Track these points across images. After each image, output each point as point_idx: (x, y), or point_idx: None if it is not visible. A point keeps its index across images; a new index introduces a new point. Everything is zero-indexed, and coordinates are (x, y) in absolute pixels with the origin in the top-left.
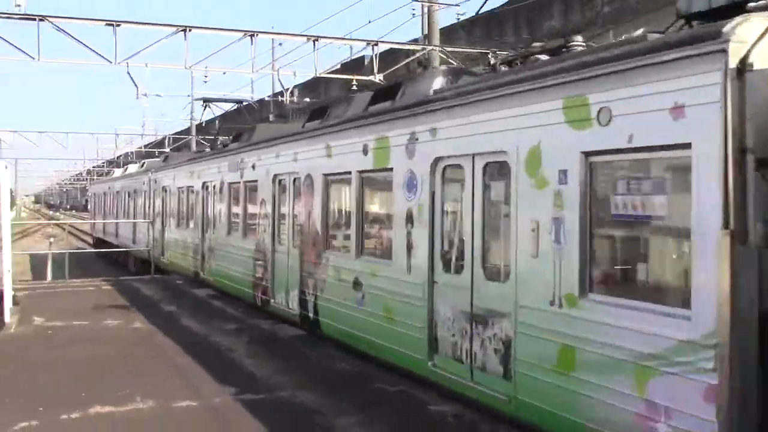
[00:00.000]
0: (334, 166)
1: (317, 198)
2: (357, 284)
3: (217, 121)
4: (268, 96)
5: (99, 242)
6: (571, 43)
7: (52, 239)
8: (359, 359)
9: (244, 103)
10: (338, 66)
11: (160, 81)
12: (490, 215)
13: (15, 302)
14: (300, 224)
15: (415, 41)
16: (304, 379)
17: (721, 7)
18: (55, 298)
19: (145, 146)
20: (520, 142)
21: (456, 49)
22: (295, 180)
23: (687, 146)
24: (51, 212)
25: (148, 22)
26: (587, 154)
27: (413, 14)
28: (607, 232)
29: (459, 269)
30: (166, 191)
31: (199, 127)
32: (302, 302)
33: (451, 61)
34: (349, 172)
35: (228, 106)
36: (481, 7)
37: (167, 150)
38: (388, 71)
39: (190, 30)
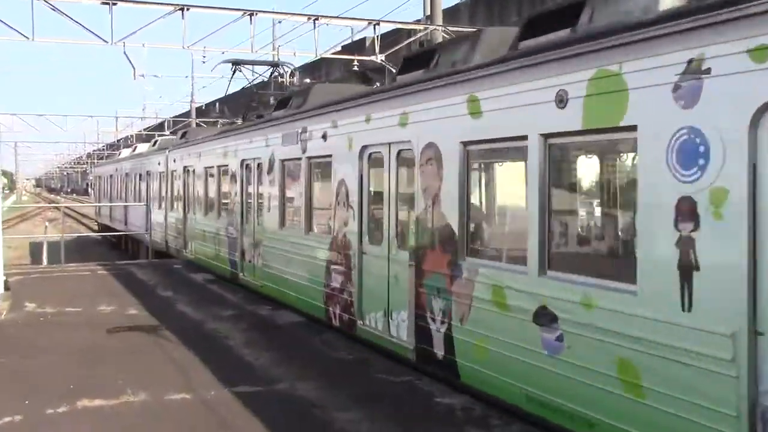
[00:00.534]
0: (491, 129)
1: (450, 178)
2: (544, 317)
3: (217, 104)
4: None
5: (105, 230)
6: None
7: (47, 224)
8: (361, 346)
9: (284, 66)
10: (339, 48)
11: (159, 61)
12: None
13: (6, 287)
14: (413, 217)
15: (418, 22)
16: (304, 370)
17: None
18: (50, 283)
19: (145, 129)
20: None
21: (459, 29)
22: (399, 153)
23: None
24: (52, 196)
25: (144, 1)
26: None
27: None
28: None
29: None
30: (188, 172)
31: (198, 110)
32: (420, 331)
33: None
34: (525, 138)
35: (232, 88)
36: None
37: (167, 133)
38: (390, 51)
39: (188, 9)
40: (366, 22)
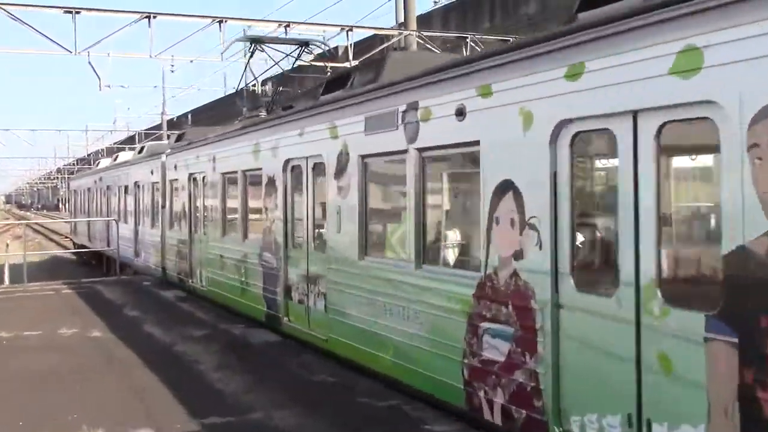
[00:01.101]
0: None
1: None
2: None
3: (189, 116)
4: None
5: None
6: None
7: (8, 242)
8: (340, 367)
9: (315, 44)
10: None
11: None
12: None
13: None
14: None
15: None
16: (281, 395)
17: None
18: (9, 304)
19: (115, 143)
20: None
21: (433, 34)
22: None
23: None
24: (22, 212)
25: (109, 9)
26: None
27: None
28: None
29: None
30: (195, 181)
31: (170, 122)
32: None
33: (429, 46)
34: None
35: (199, 102)
36: None
37: (137, 147)
38: (365, 57)
39: (154, 17)
40: (339, 28)
